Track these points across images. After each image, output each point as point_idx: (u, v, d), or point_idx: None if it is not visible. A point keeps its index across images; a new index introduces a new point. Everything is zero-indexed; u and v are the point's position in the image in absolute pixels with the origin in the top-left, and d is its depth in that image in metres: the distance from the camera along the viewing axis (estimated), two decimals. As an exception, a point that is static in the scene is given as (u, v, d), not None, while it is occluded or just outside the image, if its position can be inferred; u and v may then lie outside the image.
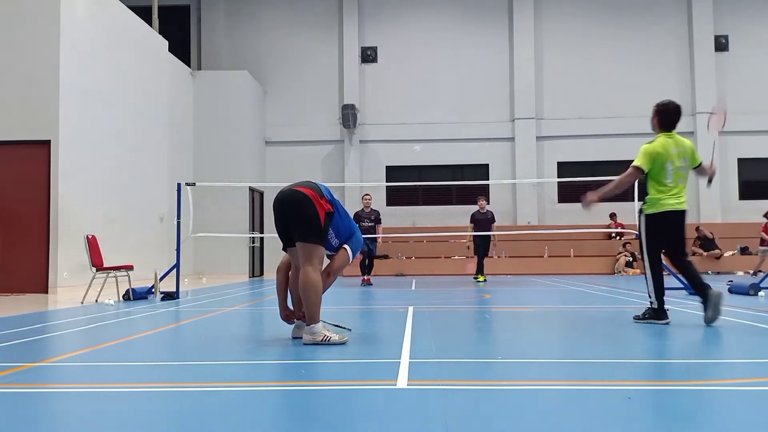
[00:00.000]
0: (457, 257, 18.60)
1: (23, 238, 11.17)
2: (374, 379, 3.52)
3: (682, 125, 19.40)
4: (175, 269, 9.59)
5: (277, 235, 4.92)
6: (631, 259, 17.71)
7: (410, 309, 7.33)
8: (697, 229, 18.47)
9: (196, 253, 17.75)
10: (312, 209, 4.63)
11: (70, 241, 11.11)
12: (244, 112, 19.25)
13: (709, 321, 5.45)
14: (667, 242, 5.75)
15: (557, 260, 18.64)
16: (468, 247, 14.18)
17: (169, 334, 5.77)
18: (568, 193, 20.65)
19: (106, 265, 9.22)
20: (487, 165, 20.97)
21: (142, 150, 14.45)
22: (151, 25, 15.47)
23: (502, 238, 16.15)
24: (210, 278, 16.28)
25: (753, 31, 20.81)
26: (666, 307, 5.70)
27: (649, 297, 5.74)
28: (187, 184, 10.29)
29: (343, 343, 4.61)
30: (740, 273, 17.07)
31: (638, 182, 5.89)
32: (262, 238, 19.11)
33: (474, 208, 14.36)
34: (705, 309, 5.46)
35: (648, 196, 5.75)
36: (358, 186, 19.53)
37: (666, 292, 5.76)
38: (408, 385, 3.27)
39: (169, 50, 16.39)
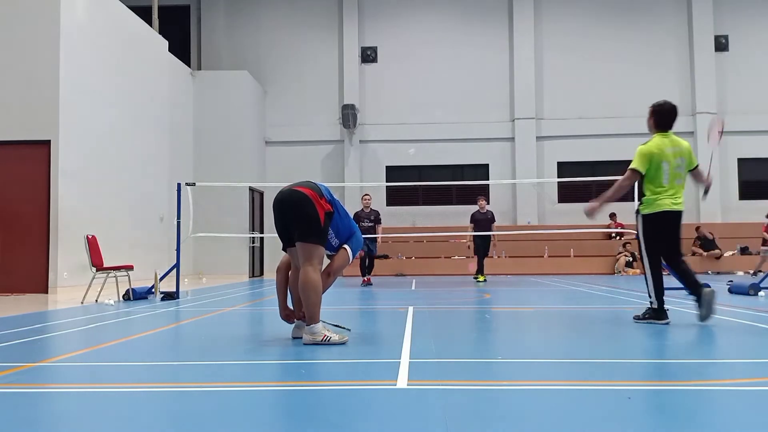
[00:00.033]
0: (457, 257, 18.60)
1: (23, 238, 11.17)
2: (374, 379, 3.52)
3: (681, 125, 19.36)
4: (175, 269, 9.59)
5: (277, 235, 4.93)
6: (631, 259, 17.71)
7: (410, 309, 7.33)
8: (697, 229, 18.47)
9: (196, 253, 17.75)
10: (312, 209, 4.63)
11: (70, 241, 11.11)
12: (244, 112, 19.25)
13: (702, 319, 5.49)
14: (663, 242, 5.76)
15: (557, 260, 18.64)
16: (468, 247, 14.18)
17: (169, 334, 5.77)
18: (568, 193, 20.66)
19: (106, 265, 9.23)
20: (487, 165, 20.97)
21: (142, 150, 14.45)
22: (151, 25, 15.47)
23: (502, 238, 16.15)
24: (210, 278, 16.28)
25: (753, 31, 20.81)
26: (666, 307, 5.70)
27: (649, 297, 5.74)
28: (187, 184, 10.30)
29: (343, 343, 4.61)
30: (740, 273, 17.07)
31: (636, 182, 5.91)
32: (262, 238, 19.11)
33: (474, 208, 14.36)
34: (699, 307, 5.49)
35: (644, 197, 5.75)
36: (358, 186, 19.53)
37: (666, 292, 5.76)
38: (408, 385, 3.27)
39: (169, 50, 16.39)
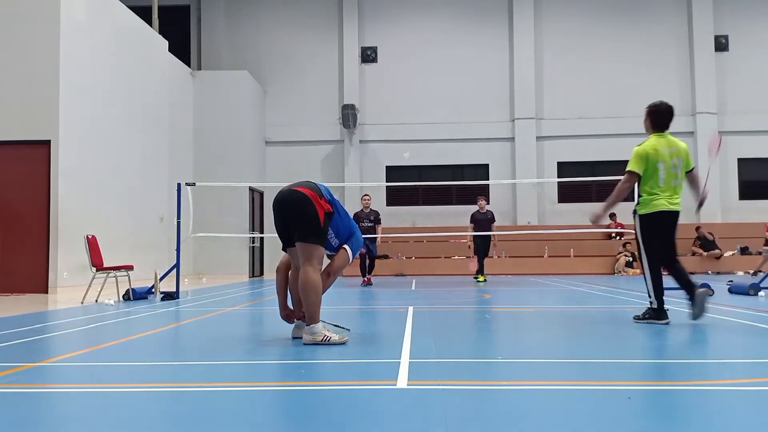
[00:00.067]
0: (457, 257, 18.60)
1: (23, 238, 11.17)
2: (374, 379, 3.52)
3: (681, 125, 19.35)
4: (175, 269, 9.59)
5: (276, 235, 4.93)
6: (631, 259, 17.71)
7: (410, 309, 7.33)
8: (698, 229, 18.47)
9: (196, 253, 17.75)
10: (311, 209, 4.63)
11: (70, 241, 11.11)
12: (244, 112, 19.25)
13: (694, 317, 5.55)
14: (661, 242, 5.77)
15: (557, 260, 18.64)
16: (469, 247, 14.17)
17: (169, 334, 5.77)
18: (568, 193, 20.67)
19: (106, 265, 9.23)
20: (487, 165, 20.97)
21: (142, 150, 14.45)
22: (151, 25, 15.47)
23: (502, 238, 16.15)
24: (210, 278, 16.28)
25: (753, 31, 20.81)
26: (666, 307, 5.70)
27: (649, 297, 5.75)
28: (187, 184, 10.29)
29: (343, 343, 4.61)
30: (740, 273, 17.07)
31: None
32: (262, 238, 19.11)
33: (474, 208, 14.36)
34: (692, 306, 5.55)
35: (641, 197, 5.77)
36: (358, 186, 19.54)
37: (666, 292, 5.77)
38: (408, 385, 3.27)
39: (169, 50, 16.39)
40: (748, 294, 8.80)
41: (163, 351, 4.85)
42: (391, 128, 21.11)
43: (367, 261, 13.02)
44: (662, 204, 5.64)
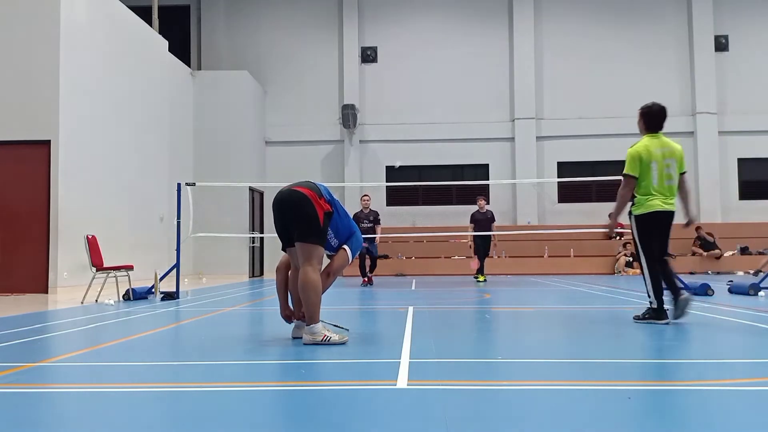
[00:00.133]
0: (457, 257, 18.60)
1: (23, 238, 11.17)
2: (374, 379, 3.52)
3: (681, 125, 19.30)
4: (175, 269, 9.59)
5: (276, 235, 4.93)
6: (631, 259, 17.71)
7: (410, 309, 7.33)
8: (698, 229, 18.45)
9: (196, 253, 17.75)
10: (311, 209, 4.63)
11: (70, 241, 11.11)
12: (244, 112, 19.25)
13: (675, 318, 5.68)
14: (658, 242, 5.81)
15: (557, 260, 18.64)
16: (470, 247, 14.16)
17: (169, 334, 5.77)
18: (568, 193, 20.68)
19: (106, 265, 9.23)
20: (487, 165, 20.97)
21: (142, 150, 14.45)
22: (151, 25, 15.47)
23: (502, 238, 16.15)
24: (210, 278, 16.28)
25: (753, 31, 20.81)
26: (666, 306, 5.71)
27: (649, 297, 5.76)
28: (187, 184, 10.29)
29: (343, 343, 4.61)
30: (740, 273, 17.07)
31: None
32: (262, 238, 19.11)
33: (474, 208, 14.35)
34: (674, 308, 5.66)
35: (635, 198, 5.80)
36: (358, 186, 19.54)
37: (665, 291, 5.78)
38: (408, 385, 3.27)
39: (169, 50, 16.39)
40: (748, 294, 8.80)
41: (163, 351, 4.85)
42: (391, 128, 21.11)
43: (368, 261, 13.02)
44: (657, 204, 5.68)
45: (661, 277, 5.75)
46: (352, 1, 21.28)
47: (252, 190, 18.97)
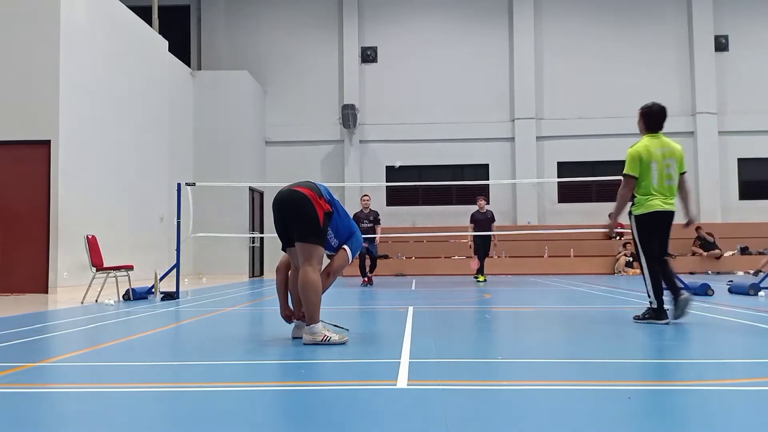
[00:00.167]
0: (457, 257, 18.61)
1: (23, 238, 11.17)
2: (374, 379, 3.52)
3: (681, 125, 19.28)
4: (175, 269, 9.59)
5: (276, 235, 4.93)
6: (631, 259, 17.71)
7: (410, 309, 7.33)
8: (698, 229, 18.45)
9: (196, 253, 17.75)
10: (311, 209, 4.63)
11: (70, 241, 11.11)
12: (244, 112, 19.25)
13: (675, 318, 5.70)
14: (657, 241, 5.82)
15: (557, 260, 18.64)
16: (470, 247, 14.16)
17: (169, 334, 5.77)
18: (568, 193, 20.68)
19: (106, 265, 9.23)
20: (487, 165, 20.97)
21: (142, 150, 14.45)
22: (151, 25, 15.47)
23: (502, 238, 16.15)
24: (210, 278, 16.28)
25: (753, 31, 20.81)
26: (666, 306, 5.71)
27: (649, 297, 5.76)
28: (187, 184, 10.29)
29: (343, 343, 4.61)
30: (740, 273, 17.07)
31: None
32: (262, 238, 19.11)
33: (474, 208, 14.35)
34: (674, 309, 5.68)
35: (635, 197, 5.80)
36: (358, 186, 19.54)
37: (665, 291, 5.79)
38: (408, 385, 3.27)
39: (169, 50, 16.39)
40: (748, 294, 8.80)
41: (163, 351, 4.85)
42: (391, 128, 21.11)
43: (368, 261, 13.02)
44: (657, 204, 5.69)
45: (661, 277, 5.76)
46: (352, 1, 21.28)
47: (252, 190, 18.97)
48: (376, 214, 12.85)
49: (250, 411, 2.86)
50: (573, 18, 21.16)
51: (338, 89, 21.35)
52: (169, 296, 9.06)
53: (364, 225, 12.41)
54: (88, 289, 9.07)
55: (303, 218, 4.63)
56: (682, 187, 5.91)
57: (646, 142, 5.83)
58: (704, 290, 8.91)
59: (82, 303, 8.63)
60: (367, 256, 12.89)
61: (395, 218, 20.16)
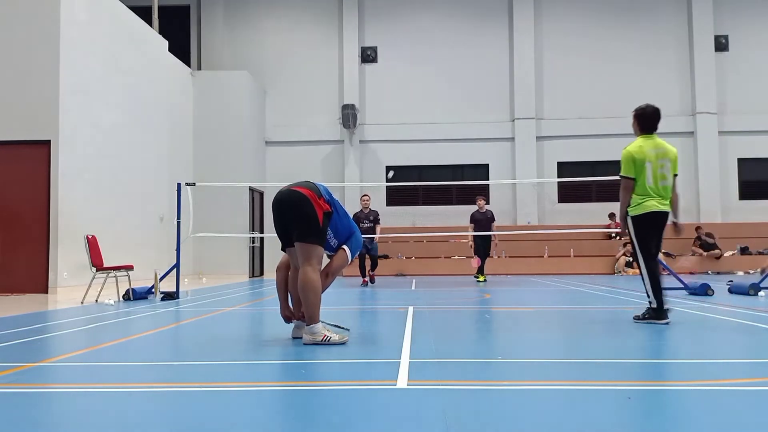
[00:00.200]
0: (457, 257, 18.61)
1: (23, 238, 11.17)
2: (374, 379, 3.52)
3: (681, 125, 19.31)
4: (175, 269, 9.59)
5: (276, 235, 4.93)
6: (631, 259, 17.70)
7: (410, 309, 7.33)
8: (698, 229, 18.46)
9: (196, 253, 17.76)
10: (310, 209, 4.64)
11: (70, 241, 11.11)
12: (244, 112, 19.25)
13: (635, 319, 5.85)
14: (655, 242, 5.84)
15: (557, 260, 18.64)
16: (470, 247, 14.15)
17: (169, 334, 5.77)
18: (568, 193, 20.68)
19: (106, 265, 9.23)
20: (487, 165, 20.98)
21: (142, 150, 14.45)
22: (151, 25, 15.47)
23: (502, 238, 16.15)
24: (210, 278, 16.28)
25: (753, 31, 20.81)
26: (666, 306, 5.72)
27: (648, 297, 5.77)
28: (187, 184, 10.29)
29: (343, 343, 4.61)
30: (740, 273, 17.07)
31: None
32: (262, 238, 19.11)
33: (474, 208, 14.35)
34: (645, 311, 5.78)
35: (631, 198, 5.81)
36: (358, 186, 19.54)
37: (665, 292, 5.79)
38: (408, 385, 3.27)
39: (169, 50, 16.39)
40: (748, 294, 8.80)
41: (163, 351, 4.85)
42: (391, 128, 21.11)
43: (368, 261, 13.02)
44: (653, 205, 5.72)
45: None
46: (352, 1, 21.28)
47: (252, 190, 18.97)
48: (376, 213, 12.86)
49: (250, 411, 2.86)
50: (573, 18, 21.16)
51: (338, 89, 21.35)
52: (169, 296, 9.06)
53: (364, 225, 12.42)
54: (88, 289, 9.07)
55: (302, 218, 4.63)
56: (672, 190, 5.93)
57: (639, 142, 5.89)
58: (704, 290, 8.91)
59: (82, 303, 8.63)
60: (367, 256, 12.90)
61: (395, 218, 20.16)
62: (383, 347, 4.62)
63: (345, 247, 4.95)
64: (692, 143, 20.29)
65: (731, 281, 10.68)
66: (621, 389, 3.23)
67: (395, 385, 3.27)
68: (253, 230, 18.86)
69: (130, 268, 9.28)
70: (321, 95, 21.34)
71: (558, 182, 20.40)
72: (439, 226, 18.96)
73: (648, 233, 5.78)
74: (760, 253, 18.05)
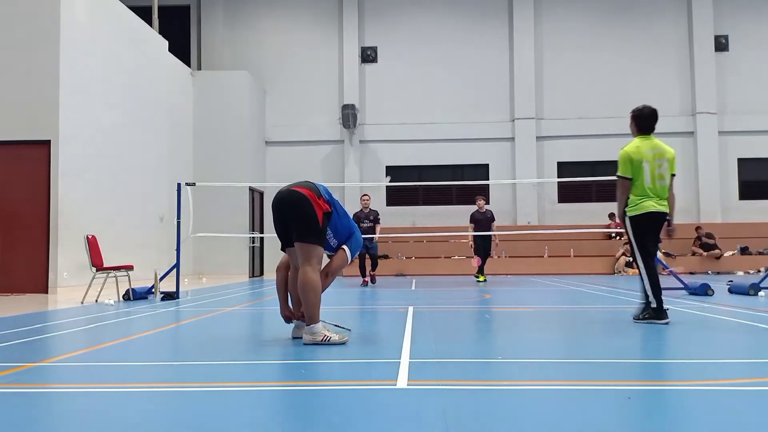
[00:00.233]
0: (457, 257, 18.61)
1: (23, 238, 11.17)
2: (374, 379, 3.52)
3: (681, 125, 19.32)
4: (175, 269, 9.59)
5: (276, 235, 4.93)
6: (631, 259, 17.69)
7: (410, 309, 7.33)
8: (698, 229, 18.46)
9: (196, 253, 17.75)
10: (310, 209, 4.64)
11: (70, 241, 11.11)
12: (244, 112, 19.25)
13: (635, 318, 5.87)
14: (653, 242, 5.85)
15: (557, 260, 18.64)
16: (470, 247, 14.15)
17: (169, 334, 5.77)
18: (568, 193, 20.68)
19: (106, 265, 9.23)
20: (487, 165, 20.98)
21: (142, 150, 14.45)
22: (151, 25, 15.47)
23: (502, 238, 16.15)
24: (210, 278, 16.28)
25: (753, 31, 20.81)
26: (665, 306, 5.72)
27: (648, 297, 5.77)
28: (187, 184, 10.29)
29: (343, 343, 4.61)
30: (740, 273, 17.07)
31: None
32: (262, 238, 19.11)
33: (474, 208, 14.35)
34: (643, 311, 5.80)
35: (630, 198, 5.82)
36: (358, 186, 19.54)
37: (665, 291, 5.80)
38: (408, 385, 3.27)
39: (169, 50, 16.39)
40: (748, 294, 8.80)
41: (163, 351, 4.85)
42: (391, 128, 21.11)
43: (368, 261, 13.02)
44: (651, 205, 5.73)
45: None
46: (352, 1, 21.28)
47: (252, 190, 18.97)
48: (376, 213, 12.86)
49: (250, 411, 2.86)
50: (573, 17, 21.16)
51: (338, 89, 21.35)
52: (169, 296, 9.07)
53: (364, 225, 12.42)
54: (88, 289, 9.07)
55: (302, 218, 4.63)
56: (669, 188, 5.93)
57: (636, 142, 5.90)
58: (704, 290, 8.91)
59: (82, 303, 8.63)
60: (367, 256, 12.90)
61: (395, 218, 20.16)
62: (383, 347, 4.62)
63: (345, 247, 4.95)
64: (692, 143, 20.30)
65: (731, 281, 10.67)
66: (621, 389, 3.23)
67: (395, 385, 3.27)
68: (253, 230, 18.86)
69: (130, 268, 9.28)
70: (321, 95, 21.35)
71: (558, 182, 20.40)
72: (439, 226, 18.96)
73: (646, 233, 5.79)
74: (760, 253, 18.05)
